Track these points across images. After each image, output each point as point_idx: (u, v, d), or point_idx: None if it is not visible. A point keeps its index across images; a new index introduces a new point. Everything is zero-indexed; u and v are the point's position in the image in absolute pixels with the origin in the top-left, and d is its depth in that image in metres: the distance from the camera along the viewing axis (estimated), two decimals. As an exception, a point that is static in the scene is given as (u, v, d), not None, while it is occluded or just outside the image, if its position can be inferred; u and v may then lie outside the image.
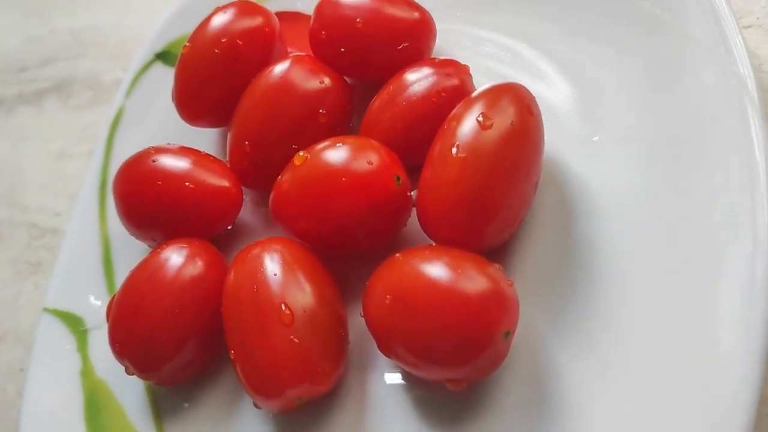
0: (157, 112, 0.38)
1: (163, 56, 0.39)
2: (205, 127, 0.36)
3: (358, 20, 0.32)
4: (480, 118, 0.27)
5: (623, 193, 0.28)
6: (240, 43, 0.33)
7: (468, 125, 0.27)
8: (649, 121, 0.29)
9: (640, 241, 0.27)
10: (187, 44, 0.34)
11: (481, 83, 0.31)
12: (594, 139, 0.30)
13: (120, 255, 0.36)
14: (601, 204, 0.29)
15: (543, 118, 0.29)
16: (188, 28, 0.38)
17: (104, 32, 0.47)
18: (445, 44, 0.34)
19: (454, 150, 0.27)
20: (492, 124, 0.27)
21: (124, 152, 0.38)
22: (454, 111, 0.28)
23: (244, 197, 0.34)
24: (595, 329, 0.26)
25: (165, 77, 0.38)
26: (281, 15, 0.38)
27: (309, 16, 0.35)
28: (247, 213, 0.34)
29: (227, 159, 0.33)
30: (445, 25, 0.34)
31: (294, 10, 0.38)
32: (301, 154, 0.30)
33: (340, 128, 0.33)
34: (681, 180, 0.27)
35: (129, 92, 0.39)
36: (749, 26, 0.31)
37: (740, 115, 0.27)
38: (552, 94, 0.31)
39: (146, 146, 0.36)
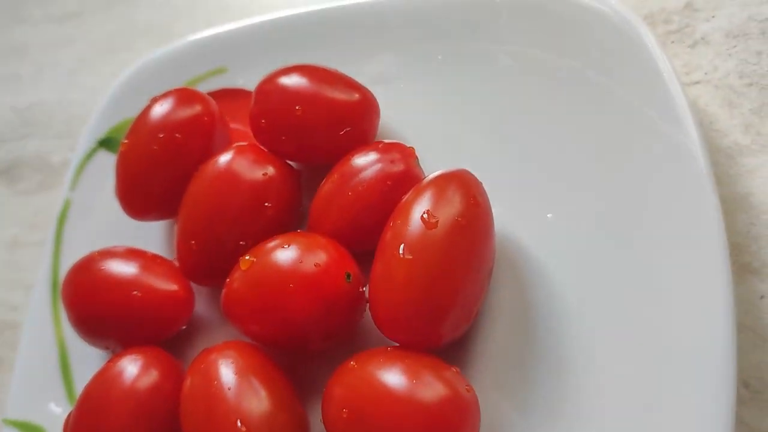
0: (105, 202, 0.36)
1: (106, 143, 0.38)
2: (152, 221, 0.34)
3: (297, 108, 0.31)
4: (425, 216, 0.26)
5: (581, 272, 0.28)
6: (179, 136, 0.32)
7: (413, 224, 0.26)
8: (602, 196, 0.28)
9: (601, 322, 0.27)
10: (125, 141, 0.33)
11: (428, 162, 0.31)
12: (548, 216, 0.29)
13: (77, 357, 0.35)
14: (559, 284, 0.28)
15: (495, 196, 0.28)
16: (129, 111, 0.37)
17: (49, 110, 0.46)
18: (391, 121, 0.33)
19: (401, 250, 0.26)
20: (437, 222, 0.26)
21: (73, 248, 0.37)
22: (400, 204, 0.28)
23: (199, 290, 0.33)
24: (564, 419, 0.26)
25: (110, 165, 0.36)
26: (223, 93, 0.37)
27: (251, 93, 0.34)
28: (202, 307, 0.33)
29: (175, 257, 0.32)
30: (389, 101, 0.33)
31: (236, 87, 0.37)
32: (246, 258, 0.29)
33: (288, 217, 0.32)
34: (639, 257, 0.27)
35: (74, 184, 0.38)
36: (697, 82, 0.31)
37: (693, 189, 0.26)
38: (503, 172, 0.30)
39: (96, 240, 0.35)
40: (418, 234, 0.26)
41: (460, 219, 0.26)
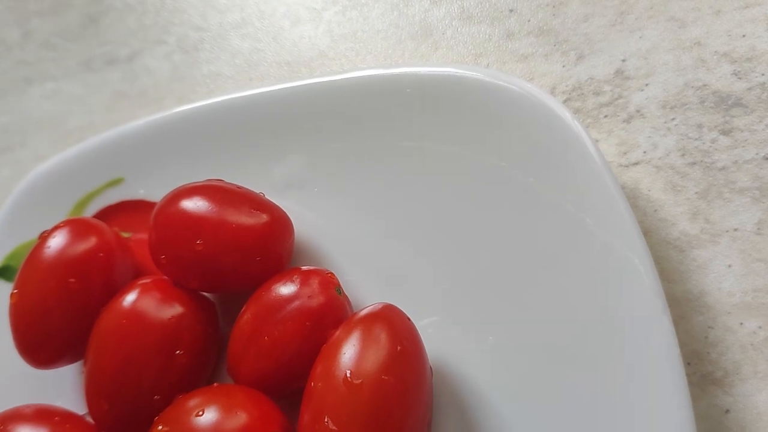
0: (10, 341, 0.33)
1: (3, 273, 0.34)
2: (60, 366, 0.31)
3: (198, 242, 0.27)
4: (348, 375, 0.23)
5: (527, 399, 0.25)
6: (73, 281, 0.29)
7: (336, 389, 0.23)
8: (544, 314, 0.25)
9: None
10: (15, 291, 0.29)
11: (351, 280, 0.28)
12: (489, 338, 0.26)
13: None
14: (505, 413, 0.25)
15: (434, 321, 0.26)
16: (25, 233, 0.34)
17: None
18: (308, 228, 0.30)
19: (325, 420, 0.23)
20: (361, 383, 0.23)
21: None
22: (321, 355, 0.25)
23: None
24: None
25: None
26: (123, 206, 0.34)
27: (153, 204, 0.31)
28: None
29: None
30: (303, 207, 0.30)
31: (136, 199, 0.33)
32: (160, 428, 0.25)
33: (204, 359, 0.29)
34: (589, 380, 0.24)
35: (-27, 323, 0.34)
36: (636, 163, 0.28)
37: (641, 305, 0.24)
38: (434, 288, 0.27)
39: (7, 383, 0.32)
40: (341, 401, 0.23)
41: (386, 377, 0.23)
